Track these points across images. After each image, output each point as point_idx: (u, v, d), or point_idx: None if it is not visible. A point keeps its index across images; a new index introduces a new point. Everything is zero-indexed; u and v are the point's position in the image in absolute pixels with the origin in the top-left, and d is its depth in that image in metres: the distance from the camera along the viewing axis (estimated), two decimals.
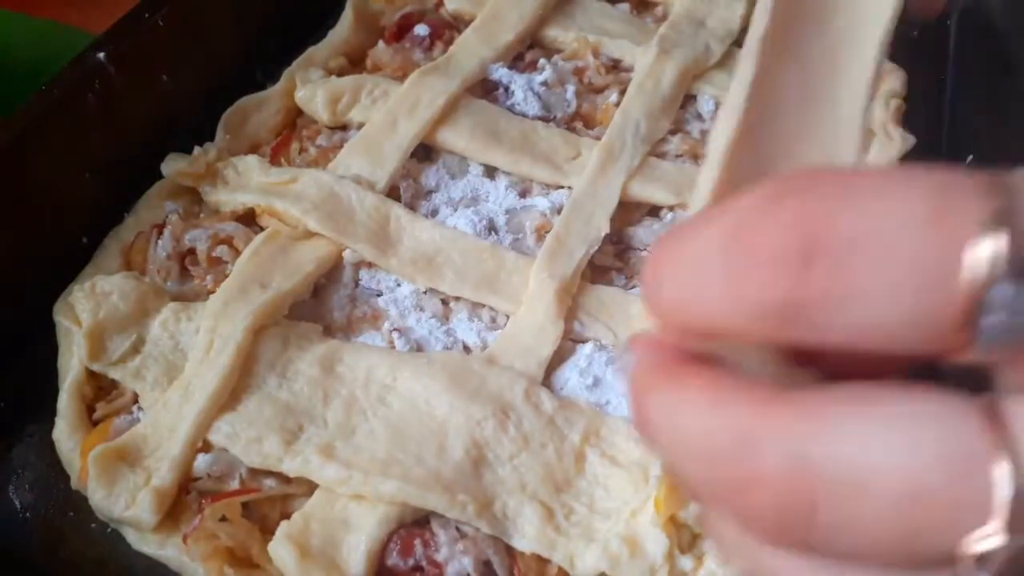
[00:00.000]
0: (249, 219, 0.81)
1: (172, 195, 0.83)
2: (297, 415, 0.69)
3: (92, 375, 0.72)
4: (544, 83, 0.91)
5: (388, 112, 0.86)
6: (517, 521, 0.65)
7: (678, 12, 0.99)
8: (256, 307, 0.72)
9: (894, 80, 0.94)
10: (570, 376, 0.73)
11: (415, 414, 0.69)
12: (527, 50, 0.96)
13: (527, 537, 0.64)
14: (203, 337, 0.72)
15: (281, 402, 0.69)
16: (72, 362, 0.72)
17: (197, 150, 0.84)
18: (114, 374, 0.71)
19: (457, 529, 0.65)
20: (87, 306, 0.73)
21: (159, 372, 0.71)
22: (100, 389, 0.72)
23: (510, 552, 0.65)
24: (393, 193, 0.83)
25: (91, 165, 0.81)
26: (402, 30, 0.96)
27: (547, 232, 0.81)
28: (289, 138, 0.88)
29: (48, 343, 0.75)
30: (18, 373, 0.75)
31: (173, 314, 0.74)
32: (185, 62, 0.87)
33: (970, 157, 0.92)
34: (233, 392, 0.69)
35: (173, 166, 0.83)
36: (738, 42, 0.97)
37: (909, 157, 0.88)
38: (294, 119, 0.91)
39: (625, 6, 1.02)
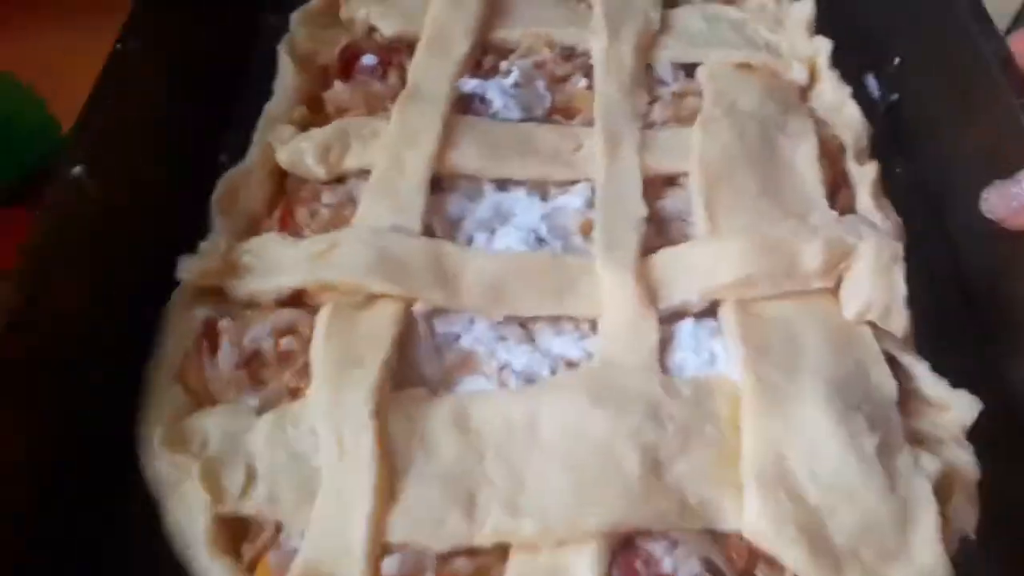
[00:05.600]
0: (295, 302, 0.74)
1: (196, 300, 0.74)
2: (462, 484, 0.65)
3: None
4: (516, 84, 0.90)
5: (389, 152, 0.82)
6: (715, 506, 0.65)
7: None
8: (368, 388, 0.67)
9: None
10: (686, 356, 0.74)
11: (575, 442, 0.67)
12: (482, 56, 0.94)
13: (730, 517, 0.65)
14: (328, 438, 0.65)
15: (439, 476, 0.65)
16: (193, 518, 0.63)
17: (203, 245, 0.75)
18: (248, 510, 0.63)
19: (665, 537, 0.64)
20: (181, 456, 0.64)
21: (292, 490, 0.64)
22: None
23: (717, 540, 0.66)
24: (428, 233, 0.79)
25: (93, 292, 0.70)
26: (347, 65, 0.91)
27: (590, 228, 0.81)
28: (290, 206, 0.81)
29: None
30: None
31: (275, 426, 0.67)
32: (155, 150, 0.77)
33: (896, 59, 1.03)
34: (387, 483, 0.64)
35: (191, 268, 0.73)
36: (668, 3, 1.00)
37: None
38: (281, 184, 0.83)
39: None
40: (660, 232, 0.83)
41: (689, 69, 0.96)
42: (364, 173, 0.82)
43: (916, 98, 1.00)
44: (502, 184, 0.85)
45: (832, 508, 0.65)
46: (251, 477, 0.65)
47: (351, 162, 0.82)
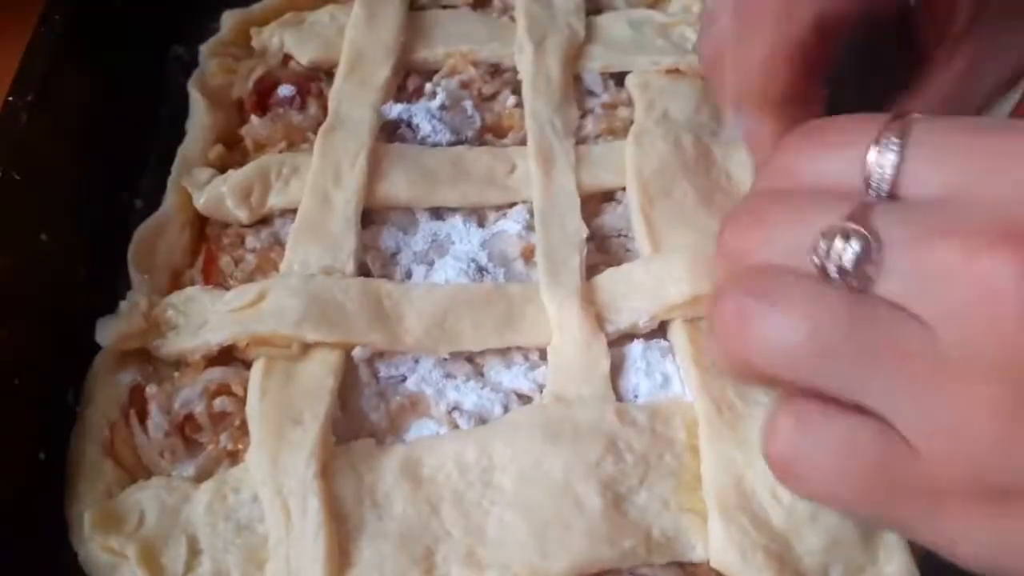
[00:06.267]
0: (226, 358, 0.70)
1: (119, 366, 0.69)
2: (419, 541, 0.62)
3: None
4: (442, 106, 0.86)
5: (313, 188, 0.78)
6: (681, 538, 0.64)
7: (522, 2, 0.97)
8: (309, 448, 0.63)
9: None
10: (638, 381, 0.72)
11: (533, 483, 0.64)
12: (404, 79, 0.90)
13: (698, 547, 0.63)
14: (272, 503, 0.61)
15: (393, 534, 0.62)
16: None
17: (122, 304, 0.71)
18: None
19: (631, 574, 0.63)
20: (116, 537, 0.60)
21: (239, 563, 0.61)
22: None
23: (686, 571, 0.64)
24: (363, 271, 0.76)
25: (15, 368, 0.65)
26: (263, 97, 0.86)
27: (532, 253, 0.78)
28: (212, 253, 0.76)
29: None
30: None
31: (215, 494, 0.63)
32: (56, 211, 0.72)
33: None
34: (339, 547, 0.60)
35: (110, 331, 0.69)
36: (591, 11, 0.98)
37: None
38: (201, 231, 0.79)
39: (464, 8, 0.99)
40: (601, 249, 0.81)
41: (618, 78, 0.94)
42: (290, 212, 0.78)
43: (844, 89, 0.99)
44: (437, 212, 0.82)
45: (797, 530, 0.63)
46: (194, 552, 0.61)
47: (275, 201, 0.78)
